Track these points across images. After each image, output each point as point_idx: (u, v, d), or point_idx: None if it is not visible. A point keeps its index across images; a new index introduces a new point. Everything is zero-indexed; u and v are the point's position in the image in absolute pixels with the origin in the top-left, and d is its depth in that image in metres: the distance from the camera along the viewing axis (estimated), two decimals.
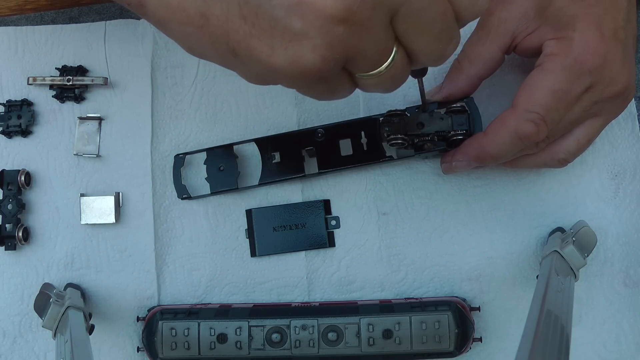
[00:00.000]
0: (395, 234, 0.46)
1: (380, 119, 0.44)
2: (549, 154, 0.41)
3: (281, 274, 0.46)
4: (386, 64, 0.27)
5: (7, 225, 0.46)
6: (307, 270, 0.46)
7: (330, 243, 0.46)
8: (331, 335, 0.42)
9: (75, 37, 0.48)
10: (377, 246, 0.46)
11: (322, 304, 0.44)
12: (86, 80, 0.47)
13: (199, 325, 0.42)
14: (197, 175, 0.47)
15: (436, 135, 0.42)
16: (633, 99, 0.46)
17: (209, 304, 0.46)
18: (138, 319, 0.45)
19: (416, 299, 0.45)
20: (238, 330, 0.42)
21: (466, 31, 0.42)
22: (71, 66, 0.48)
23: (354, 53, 0.26)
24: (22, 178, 0.46)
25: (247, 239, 0.46)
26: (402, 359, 0.42)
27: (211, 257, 0.46)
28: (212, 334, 0.42)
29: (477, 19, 0.41)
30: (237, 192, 0.47)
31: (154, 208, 0.47)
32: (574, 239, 0.40)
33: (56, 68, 0.48)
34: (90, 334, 0.41)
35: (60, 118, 0.48)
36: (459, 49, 0.42)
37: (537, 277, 0.40)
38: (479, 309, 0.44)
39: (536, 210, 0.46)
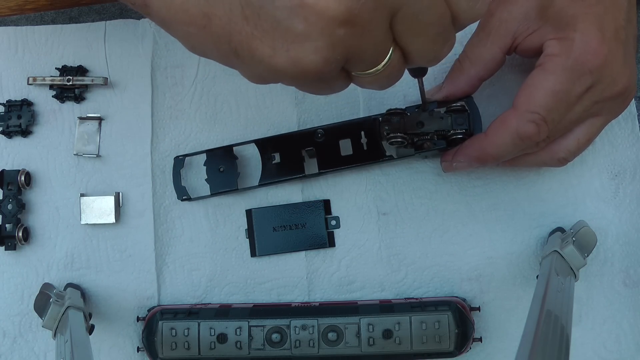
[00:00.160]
0: (395, 234, 0.46)
1: (380, 118, 0.44)
2: (549, 153, 0.41)
3: (281, 274, 0.46)
4: (383, 63, 0.28)
5: (7, 225, 0.46)
6: (307, 270, 0.46)
7: (330, 243, 0.46)
8: (331, 335, 0.42)
9: (75, 37, 0.48)
10: (377, 246, 0.46)
11: (322, 304, 0.44)
12: (86, 80, 0.47)
13: (199, 325, 0.42)
14: (197, 176, 0.47)
15: (436, 134, 0.42)
16: (633, 99, 0.46)
17: (209, 304, 0.46)
18: (138, 319, 0.45)
19: (416, 299, 0.45)
20: (238, 330, 0.42)
21: (467, 32, 0.42)
22: (71, 66, 0.48)
23: (354, 53, 0.26)
24: (22, 178, 0.46)
25: (247, 239, 0.46)
26: (402, 359, 0.42)
27: (211, 257, 0.46)
28: (212, 334, 0.42)
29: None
30: (237, 193, 0.47)
31: (154, 208, 0.47)
32: (574, 239, 0.40)
33: (56, 68, 0.48)
34: (90, 334, 0.41)
35: (60, 118, 0.48)
36: (460, 49, 0.42)
37: (537, 277, 0.40)
38: (479, 309, 0.44)
39: (536, 210, 0.46)
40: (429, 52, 0.28)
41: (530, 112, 0.37)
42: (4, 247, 0.46)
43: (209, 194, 0.46)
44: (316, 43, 0.25)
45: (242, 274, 0.46)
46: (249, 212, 0.46)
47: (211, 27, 0.27)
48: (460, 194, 0.46)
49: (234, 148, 0.46)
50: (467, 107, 0.42)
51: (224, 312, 0.43)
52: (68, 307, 0.39)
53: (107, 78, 0.47)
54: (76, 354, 0.34)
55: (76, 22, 0.49)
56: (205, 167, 0.46)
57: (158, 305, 0.45)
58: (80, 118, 0.47)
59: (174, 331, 0.42)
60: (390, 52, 0.27)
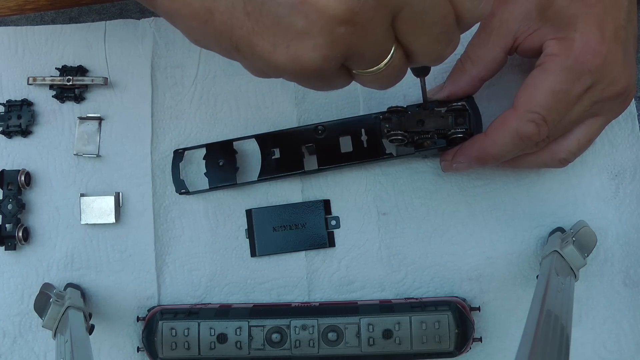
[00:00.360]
0: (395, 234, 0.46)
1: (381, 116, 0.44)
2: (549, 154, 0.41)
3: (281, 274, 0.46)
4: (385, 62, 0.28)
5: (7, 225, 0.46)
6: (307, 270, 0.46)
7: (330, 243, 0.46)
8: (331, 335, 0.42)
9: (75, 37, 0.48)
10: (377, 246, 0.46)
11: (322, 304, 0.44)
12: (86, 80, 0.47)
13: (199, 325, 0.42)
14: (196, 170, 0.47)
15: (436, 132, 0.42)
16: (633, 99, 0.46)
17: (209, 304, 0.46)
18: (138, 319, 0.45)
19: (416, 299, 0.45)
20: (238, 330, 0.42)
21: (468, 32, 0.42)
22: (71, 66, 0.48)
23: (354, 52, 0.26)
24: (22, 178, 0.46)
25: (247, 239, 0.46)
26: (402, 359, 0.42)
27: (211, 257, 0.46)
28: (212, 334, 0.42)
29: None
30: (237, 192, 0.47)
31: (154, 208, 0.47)
32: (574, 239, 0.40)
33: (56, 68, 0.48)
34: (90, 334, 0.41)
35: (60, 118, 0.48)
36: (461, 49, 0.42)
37: (537, 277, 0.40)
38: (479, 309, 0.44)
39: (536, 210, 0.46)
40: (432, 51, 0.28)
41: (530, 112, 0.37)
42: (4, 247, 0.46)
43: (208, 188, 0.46)
44: (316, 40, 0.25)
45: (242, 274, 0.46)
46: (249, 212, 0.46)
47: (213, 22, 0.27)
48: (460, 194, 0.46)
49: (234, 143, 0.46)
50: (467, 107, 0.42)
51: (224, 312, 0.43)
52: (68, 307, 0.39)
53: (107, 78, 0.47)
54: (76, 354, 0.34)
55: (76, 22, 0.49)
56: (204, 162, 0.46)
57: (158, 305, 0.45)
58: (80, 118, 0.47)
59: (174, 331, 0.42)
60: (392, 51, 0.27)
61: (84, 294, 0.45)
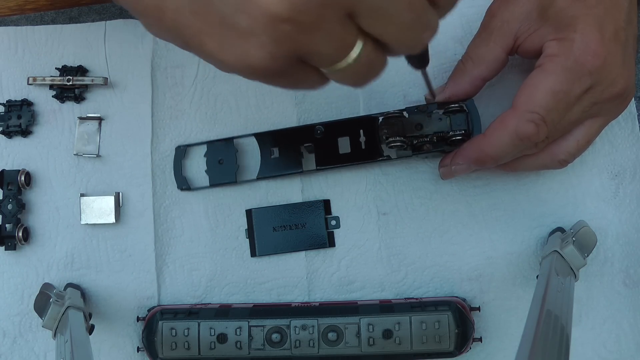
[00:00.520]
0: (395, 234, 0.46)
1: (380, 118, 0.44)
2: (548, 155, 0.41)
3: (281, 274, 0.46)
4: (354, 57, 0.26)
5: (7, 225, 0.46)
6: (307, 270, 0.46)
7: (330, 243, 0.46)
8: (331, 335, 0.42)
9: (75, 37, 0.48)
10: (377, 246, 0.46)
11: (322, 304, 0.44)
12: (86, 80, 0.47)
13: (199, 325, 0.42)
14: (198, 168, 0.47)
15: (435, 136, 0.42)
16: (633, 99, 0.46)
17: (209, 304, 0.46)
18: (138, 319, 0.45)
19: (416, 299, 0.45)
20: (238, 330, 0.42)
21: (469, 33, 0.42)
22: (71, 66, 0.48)
23: (307, 49, 0.25)
24: (22, 178, 0.46)
25: (247, 239, 0.46)
26: (402, 359, 0.42)
27: (211, 257, 0.46)
28: (212, 334, 0.42)
29: (481, 20, 0.41)
30: (237, 192, 0.47)
31: (154, 208, 0.47)
32: (574, 239, 0.40)
33: (56, 68, 0.48)
34: (90, 334, 0.41)
35: (60, 118, 0.48)
36: (462, 50, 0.42)
37: (537, 277, 0.40)
38: (479, 309, 0.44)
39: (536, 210, 0.46)
40: (406, 40, 0.26)
41: (530, 112, 0.37)
42: (4, 247, 0.46)
43: (208, 185, 0.46)
44: (260, 39, 0.25)
45: (242, 274, 0.46)
46: (249, 212, 0.46)
47: (165, 20, 0.27)
48: (460, 194, 0.46)
49: (234, 141, 0.46)
50: (466, 108, 0.42)
51: (224, 312, 0.43)
52: (68, 307, 0.39)
53: (107, 78, 0.47)
54: (76, 354, 0.34)
55: (76, 22, 0.49)
56: (205, 159, 0.46)
57: (158, 305, 0.45)
58: (80, 118, 0.47)
59: (174, 331, 0.42)
60: (359, 46, 0.26)
61: (84, 294, 0.45)
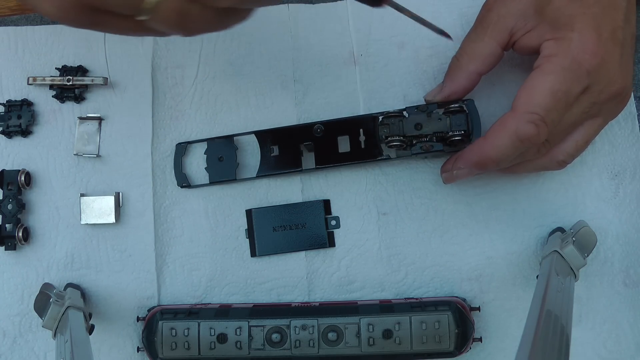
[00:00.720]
0: (395, 234, 0.46)
1: (380, 117, 0.44)
2: (547, 157, 0.41)
3: (281, 274, 0.46)
4: (153, 2, 0.28)
5: (7, 225, 0.46)
6: (307, 270, 0.46)
7: (330, 243, 0.46)
8: (331, 335, 0.42)
9: (75, 37, 0.48)
10: (377, 246, 0.46)
11: (322, 304, 0.44)
12: (86, 80, 0.47)
13: (199, 325, 0.42)
14: (198, 165, 0.47)
15: (434, 135, 0.42)
16: (633, 99, 0.46)
17: (209, 304, 0.46)
18: (138, 319, 0.45)
19: (416, 299, 0.45)
20: (238, 330, 0.42)
21: (462, 31, 0.42)
22: (71, 66, 0.48)
23: (102, 3, 0.28)
24: (22, 178, 0.46)
25: (247, 239, 0.46)
26: (402, 359, 0.42)
27: (211, 257, 0.46)
28: (212, 334, 0.42)
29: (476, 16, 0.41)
30: (237, 192, 0.47)
31: (154, 208, 0.47)
32: (574, 239, 0.40)
33: (56, 68, 0.48)
34: (90, 334, 0.41)
35: (60, 118, 0.48)
36: (456, 48, 0.42)
37: (537, 277, 0.40)
38: (479, 309, 0.44)
39: (536, 210, 0.46)
40: None
41: (529, 113, 0.37)
42: (4, 247, 0.46)
43: (208, 182, 0.46)
44: None
45: (242, 274, 0.46)
46: (249, 212, 0.46)
47: None
48: (460, 194, 0.46)
49: (234, 139, 0.46)
50: (465, 109, 0.42)
51: (224, 312, 0.43)
52: (68, 307, 0.39)
53: (107, 78, 0.47)
54: (76, 354, 0.34)
55: None
56: (205, 157, 0.46)
57: (158, 305, 0.45)
58: (80, 118, 0.47)
59: (174, 331, 0.42)
60: None
61: (84, 294, 0.45)
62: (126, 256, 0.46)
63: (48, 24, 0.49)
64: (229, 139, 0.47)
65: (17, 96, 0.48)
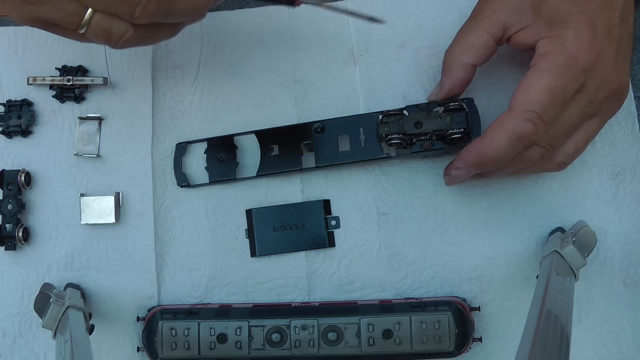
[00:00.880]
0: (395, 234, 0.46)
1: (380, 116, 0.44)
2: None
3: (281, 274, 0.46)
4: (85, 23, 0.33)
5: (7, 225, 0.46)
6: (307, 270, 0.46)
7: (330, 243, 0.46)
8: (331, 335, 0.42)
9: None
10: (377, 246, 0.46)
11: (322, 304, 0.44)
12: (86, 80, 0.47)
13: (199, 325, 0.42)
14: (198, 164, 0.47)
15: (434, 134, 0.42)
16: (633, 99, 0.46)
17: (209, 304, 0.46)
18: (138, 319, 0.45)
19: (416, 299, 0.45)
20: (238, 330, 0.42)
21: (454, 27, 0.42)
22: (71, 66, 0.48)
23: (45, 17, 0.33)
24: (22, 178, 0.46)
25: (247, 239, 0.46)
26: (402, 359, 0.42)
27: (211, 257, 0.46)
28: (212, 334, 0.42)
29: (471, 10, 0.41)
30: (237, 192, 0.47)
31: (154, 208, 0.47)
32: (574, 239, 0.40)
33: (56, 68, 0.48)
34: (90, 334, 0.41)
35: (60, 118, 0.48)
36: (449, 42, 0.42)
37: (537, 277, 0.40)
38: (479, 309, 0.44)
39: (536, 210, 0.46)
40: (126, 7, 0.32)
41: (527, 111, 0.37)
42: (4, 247, 0.46)
43: (208, 182, 0.46)
44: (9, 5, 0.33)
45: (242, 274, 0.46)
46: (249, 212, 0.46)
47: None
48: (460, 194, 0.46)
49: (234, 138, 0.46)
50: (465, 107, 0.42)
51: (224, 312, 0.43)
52: (68, 307, 0.39)
53: (107, 78, 0.47)
54: (76, 354, 0.34)
55: None
56: (205, 156, 0.46)
57: (158, 305, 0.45)
58: (80, 118, 0.47)
59: (174, 331, 0.42)
60: (89, 14, 0.33)
61: (84, 294, 0.45)
62: (126, 256, 0.46)
63: None
64: (229, 139, 0.46)
65: (17, 96, 0.48)
